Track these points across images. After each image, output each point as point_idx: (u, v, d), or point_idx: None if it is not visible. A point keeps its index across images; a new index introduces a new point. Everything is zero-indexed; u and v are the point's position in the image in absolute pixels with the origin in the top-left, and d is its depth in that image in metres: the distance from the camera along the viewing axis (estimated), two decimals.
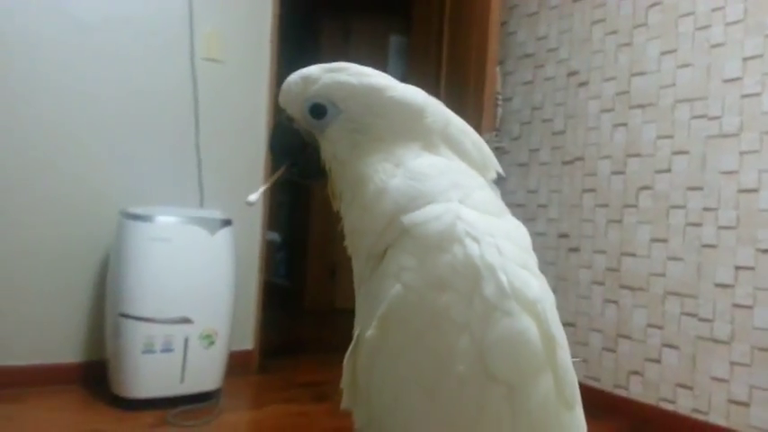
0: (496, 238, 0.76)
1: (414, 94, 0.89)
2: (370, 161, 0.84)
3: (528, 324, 0.74)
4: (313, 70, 0.89)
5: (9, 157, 2.41)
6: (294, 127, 0.90)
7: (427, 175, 0.82)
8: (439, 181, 0.81)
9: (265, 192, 2.87)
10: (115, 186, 2.59)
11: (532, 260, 0.82)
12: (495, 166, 0.91)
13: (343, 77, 0.87)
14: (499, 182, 0.91)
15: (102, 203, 2.55)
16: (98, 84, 2.58)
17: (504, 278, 0.73)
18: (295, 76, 0.89)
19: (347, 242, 0.88)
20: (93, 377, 2.47)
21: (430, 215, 0.77)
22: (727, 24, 2.45)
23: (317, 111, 0.87)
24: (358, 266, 0.86)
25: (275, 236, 4.95)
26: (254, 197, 0.90)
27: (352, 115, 0.86)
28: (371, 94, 0.86)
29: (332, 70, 0.88)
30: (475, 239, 0.75)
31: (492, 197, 0.86)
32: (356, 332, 0.82)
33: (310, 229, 4.98)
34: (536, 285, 0.77)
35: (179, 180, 2.76)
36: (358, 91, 0.86)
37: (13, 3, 2.41)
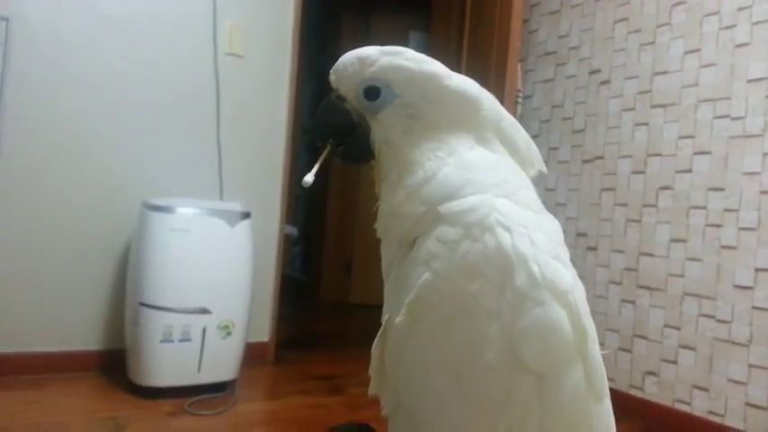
0: (529, 229, 0.76)
1: (470, 85, 0.88)
2: (424, 148, 0.83)
3: (559, 314, 0.73)
4: (370, 51, 0.87)
5: (34, 148, 2.45)
6: (345, 107, 0.89)
7: (479, 168, 0.81)
8: (490, 175, 0.81)
9: (282, 187, 2.87)
10: (138, 178, 2.62)
11: (564, 252, 0.81)
12: (540, 165, 0.91)
13: (400, 61, 0.86)
14: (539, 178, 0.91)
15: (124, 195, 2.58)
16: (123, 78, 2.61)
17: (535, 268, 0.73)
18: (351, 56, 0.88)
19: (379, 224, 0.86)
20: (112, 365, 2.51)
21: (466, 205, 0.77)
22: (754, 24, 2.42)
23: (372, 93, 0.86)
24: (388, 252, 0.86)
25: (293, 229, 4.98)
26: (309, 177, 0.88)
27: (408, 100, 0.85)
28: (429, 81, 0.86)
29: (389, 53, 0.87)
30: (507, 229, 0.74)
31: (534, 196, 0.85)
32: (384, 318, 0.82)
33: (327, 224, 5.00)
34: (567, 276, 0.76)
35: (200, 173, 2.78)
36: (416, 76, 0.86)
37: (44, 0, 2.46)
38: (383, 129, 0.86)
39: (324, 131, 0.92)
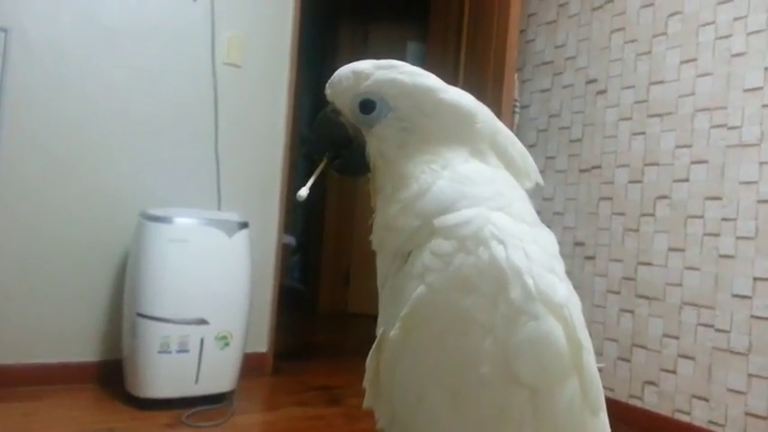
0: (524, 242, 0.75)
1: (465, 98, 0.88)
2: (418, 161, 0.83)
3: (554, 327, 0.73)
4: (365, 65, 0.87)
5: (32, 158, 2.45)
6: (340, 120, 0.89)
7: (474, 181, 0.81)
8: (484, 188, 0.81)
9: (280, 197, 2.86)
10: (135, 188, 2.62)
11: (559, 265, 0.81)
12: (537, 177, 0.91)
13: (395, 75, 0.86)
14: (536, 187, 0.91)
15: (122, 205, 2.58)
16: (121, 88, 2.61)
17: (530, 281, 0.72)
18: (346, 70, 0.88)
19: (374, 237, 0.86)
20: (109, 376, 2.49)
21: (461, 218, 0.77)
22: (749, 34, 2.43)
23: (367, 106, 0.86)
24: (383, 265, 0.86)
25: (291, 239, 4.97)
26: (304, 192, 0.88)
27: (403, 114, 0.85)
28: (423, 94, 0.86)
29: (384, 67, 0.87)
30: (501, 242, 0.74)
31: (530, 209, 0.85)
32: (379, 331, 0.82)
33: (325, 234, 5.00)
34: (562, 289, 0.76)
35: (198, 183, 2.78)
36: (410, 90, 0.85)
37: (43, 11, 2.46)
38: (378, 142, 0.86)
39: (320, 145, 0.92)
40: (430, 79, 0.88)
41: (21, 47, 2.41)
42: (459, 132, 0.86)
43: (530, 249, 0.75)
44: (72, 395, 2.40)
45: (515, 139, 0.91)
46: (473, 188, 0.80)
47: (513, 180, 0.87)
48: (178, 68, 2.74)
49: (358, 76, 0.87)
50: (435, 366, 0.74)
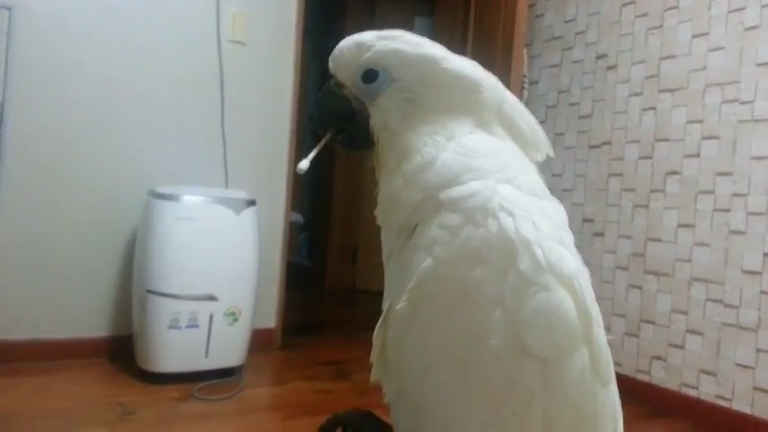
0: (532, 214, 0.74)
1: (470, 67, 0.86)
2: (421, 132, 0.82)
3: (564, 298, 0.72)
4: (367, 36, 0.86)
5: (39, 137, 2.45)
6: (343, 93, 0.88)
7: (479, 153, 0.80)
8: (490, 160, 0.80)
9: (287, 174, 2.85)
10: (143, 166, 2.62)
11: (569, 237, 0.79)
12: (546, 149, 0.89)
13: (398, 45, 0.85)
14: (545, 164, 0.89)
15: (130, 183, 2.58)
16: (126, 66, 2.60)
17: (539, 252, 0.72)
18: (348, 42, 0.87)
19: (379, 212, 0.85)
20: (120, 351, 2.52)
21: (468, 191, 0.76)
22: (764, 6, 2.38)
23: (370, 77, 0.85)
24: (388, 239, 0.85)
25: (298, 217, 4.98)
26: (304, 164, 0.87)
27: (406, 85, 0.84)
28: (427, 65, 0.84)
29: (386, 38, 0.86)
30: (510, 214, 0.73)
31: (538, 181, 0.83)
32: (385, 305, 0.81)
33: (332, 211, 5.00)
34: (572, 261, 0.75)
35: (205, 160, 2.78)
36: (413, 60, 0.84)
37: None
38: (381, 114, 0.85)
39: (323, 119, 0.91)
40: (434, 49, 0.86)
41: (25, 25, 2.40)
42: (463, 103, 0.84)
43: (538, 221, 0.74)
44: (83, 370, 2.43)
45: (524, 109, 0.89)
46: (478, 160, 0.79)
47: (519, 152, 0.86)
48: (183, 46, 2.72)
49: (360, 47, 0.86)
50: (443, 339, 0.73)
